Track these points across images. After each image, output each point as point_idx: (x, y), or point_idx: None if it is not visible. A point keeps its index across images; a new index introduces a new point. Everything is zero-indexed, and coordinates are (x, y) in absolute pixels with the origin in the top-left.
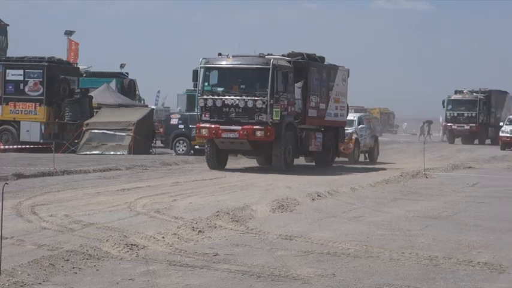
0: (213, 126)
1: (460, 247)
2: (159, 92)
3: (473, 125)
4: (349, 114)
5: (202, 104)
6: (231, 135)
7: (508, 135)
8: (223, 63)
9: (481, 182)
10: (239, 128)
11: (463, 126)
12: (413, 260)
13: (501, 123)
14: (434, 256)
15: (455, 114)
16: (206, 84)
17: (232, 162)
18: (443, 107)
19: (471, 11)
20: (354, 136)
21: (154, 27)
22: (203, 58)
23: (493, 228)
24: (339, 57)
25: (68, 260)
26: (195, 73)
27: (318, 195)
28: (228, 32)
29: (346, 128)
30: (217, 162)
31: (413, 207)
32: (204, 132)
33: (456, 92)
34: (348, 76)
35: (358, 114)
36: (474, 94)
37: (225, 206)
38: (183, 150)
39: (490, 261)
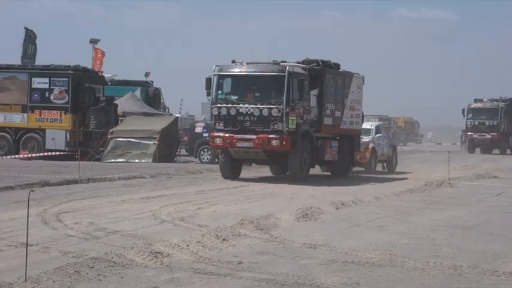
0: (227, 135)
1: (485, 257)
2: (182, 100)
3: (495, 134)
4: (366, 123)
5: (216, 113)
6: (246, 144)
7: None
8: (237, 70)
9: (505, 192)
10: (254, 137)
11: (484, 136)
12: (438, 270)
13: None
14: (459, 266)
15: (476, 123)
16: (220, 92)
17: (245, 172)
18: (463, 115)
19: (492, 20)
20: (371, 145)
21: (178, 36)
22: (216, 65)
23: None
24: (362, 66)
25: (92, 267)
26: (208, 81)
27: (342, 204)
28: (251, 40)
29: (362, 137)
30: (231, 171)
31: (437, 217)
32: (218, 141)
33: (476, 101)
34: (363, 83)
35: (375, 123)
36: (495, 102)
37: (249, 214)
38: (207, 158)
39: None
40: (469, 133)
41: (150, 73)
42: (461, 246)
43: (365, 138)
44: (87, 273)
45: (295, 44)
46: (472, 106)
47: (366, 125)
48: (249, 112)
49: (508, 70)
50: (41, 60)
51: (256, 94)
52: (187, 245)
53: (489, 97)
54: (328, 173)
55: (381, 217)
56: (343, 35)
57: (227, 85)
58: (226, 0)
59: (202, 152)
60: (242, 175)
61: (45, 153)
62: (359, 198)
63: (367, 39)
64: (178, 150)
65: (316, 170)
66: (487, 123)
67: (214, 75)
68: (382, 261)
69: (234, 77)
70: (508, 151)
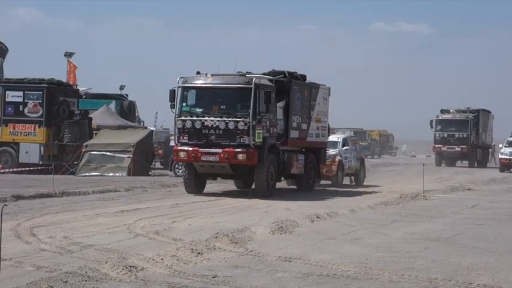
0: (191, 149)
1: (460, 269)
2: (157, 113)
3: (464, 146)
4: (333, 135)
5: (180, 126)
6: (211, 158)
7: (507, 157)
8: (202, 82)
9: (480, 204)
10: (220, 151)
11: (454, 148)
12: (413, 282)
13: (494, 144)
14: (433, 278)
15: (445, 135)
16: (184, 104)
17: (209, 186)
18: (431, 127)
19: (469, 33)
20: (338, 158)
21: (153, 50)
22: (180, 77)
23: (493, 250)
24: (337, 79)
25: (66, 281)
26: (172, 93)
27: (317, 217)
28: (228, 53)
29: (328, 150)
30: (196, 186)
31: (412, 229)
32: (182, 155)
33: (443, 112)
34: (329, 95)
35: (342, 136)
36: (464, 114)
37: (224, 227)
38: (182, 172)
39: (489, 283)
40: (437, 145)
41: (125, 86)
42: (436, 258)
43: (331, 151)
44: None
45: (270, 58)
46: (440, 117)
47: (332, 138)
48: (214, 125)
49: (480, 82)
50: (15, 73)
51: (221, 107)
52: (162, 259)
53: (456, 108)
54: (294, 187)
55: (356, 230)
56: (320, 48)
57: (192, 97)
58: (203, 15)
59: (177, 166)
60: (206, 189)
61: (19, 169)
62: (334, 211)
63: (344, 53)
64: (153, 163)
65: (282, 184)
66: (456, 136)
67: (179, 87)
68: (357, 274)
69: (199, 89)
70: (475, 164)
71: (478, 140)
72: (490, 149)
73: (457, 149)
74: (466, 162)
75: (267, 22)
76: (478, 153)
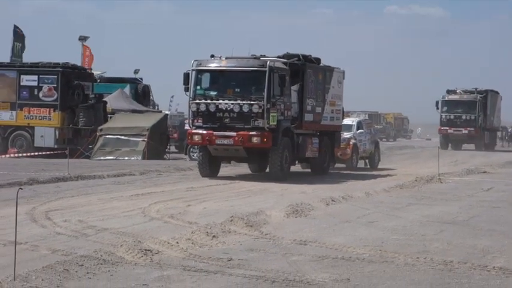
0: (206, 132)
1: (475, 252)
2: (172, 97)
3: (472, 129)
4: (348, 119)
5: (195, 109)
6: (226, 141)
7: None
8: (216, 65)
9: (495, 187)
10: (234, 134)
11: (461, 131)
12: (428, 265)
13: (505, 126)
14: (449, 261)
15: (452, 117)
16: (198, 87)
17: (223, 170)
18: (437, 108)
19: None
20: (352, 141)
21: (168, 33)
22: (195, 60)
23: (508, 233)
24: (352, 62)
25: (82, 265)
26: (186, 76)
27: (332, 200)
28: (241, 37)
29: (343, 133)
30: (210, 169)
31: (427, 212)
32: (196, 138)
33: (449, 92)
34: (344, 78)
35: (357, 119)
36: (472, 95)
37: (239, 211)
38: (197, 155)
39: (505, 266)
40: (442, 128)
41: (139, 70)
42: (451, 241)
43: (346, 135)
44: (76, 272)
45: (284, 41)
46: (447, 98)
47: (347, 121)
48: (228, 108)
49: (492, 64)
50: (30, 57)
51: (236, 90)
52: (177, 242)
53: (463, 88)
54: (309, 170)
55: (371, 213)
56: (335, 32)
57: (206, 80)
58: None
59: (192, 149)
60: (220, 173)
61: (34, 153)
62: (349, 195)
63: (359, 36)
64: (168, 147)
65: (296, 167)
66: (463, 117)
67: (193, 70)
68: (373, 257)
69: (213, 72)
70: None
71: (486, 122)
72: (498, 132)
73: (464, 131)
74: (472, 146)
75: (282, 6)
76: (485, 136)
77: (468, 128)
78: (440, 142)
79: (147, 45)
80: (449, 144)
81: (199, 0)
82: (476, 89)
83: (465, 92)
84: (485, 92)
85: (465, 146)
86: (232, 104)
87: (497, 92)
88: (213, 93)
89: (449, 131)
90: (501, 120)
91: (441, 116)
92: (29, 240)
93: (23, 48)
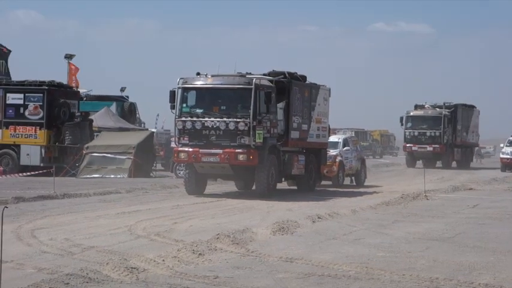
0: (192, 149)
1: (461, 269)
2: (158, 115)
3: (437, 146)
4: (334, 136)
5: (181, 127)
6: (212, 159)
7: (509, 156)
8: (202, 83)
9: (481, 204)
10: (220, 151)
11: (425, 148)
12: (414, 282)
13: (488, 147)
14: (435, 278)
15: (416, 134)
16: (184, 105)
17: (209, 187)
18: (401, 124)
19: (470, 33)
20: (338, 159)
21: (153, 51)
22: (181, 78)
23: (494, 249)
24: (338, 79)
25: (68, 283)
26: (172, 94)
27: (318, 218)
28: (226, 54)
29: (329, 150)
30: (196, 187)
31: (414, 229)
32: (182, 156)
33: (416, 107)
34: (330, 95)
35: (343, 136)
36: (438, 109)
37: (225, 228)
38: (183, 173)
39: (490, 282)
40: (407, 145)
41: (125, 88)
42: (438, 258)
43: (332, 152)
44: None
45: (270, 58)
46: (411, 114)
47: (333, 138)
48: (214, 126)
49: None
50: (15, 75)
51: (222, 107)
52: (163, 260)
53: (432, 103)
54: (295, 188)
55: (357, 230)
56: (320, 49)
57: (192, 98)
58: (203, 16)
59: (178, 167)
60: (207, 190)
61: (19, 174)
62: (335, 212)
63: (344, 53)
64: (154, 165)
65: (282, 185)
66: (428, 134)
67: (179, 87)
68: (359, 274)
69: (199, 90)
70: (454, 164)
71: (456, 138)
72: (475, 148)
73: (429, 148)
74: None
75: (267, 23)
76: (456, 153)
77: (433, 145)
78: (406, 160)
79: (133, 63)
80: (420, 162)
81: (184, 17)
82: (445, 103)
83: (433, 106)
84: (455, 106)
85: (439, 164)
86: (218, 121)
87: (472, 106)
88: (199, 110)
89: (413, 148)
90: (479, 136)
91: (405, 132)
92: (15, 258)
93: (6, 67)
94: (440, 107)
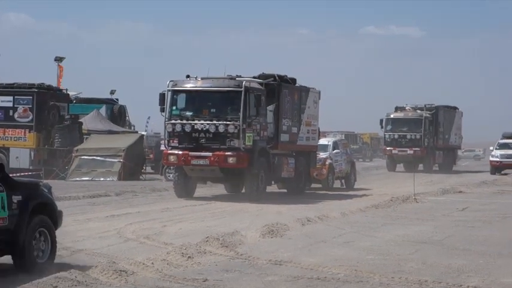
0: (181, 152)
1: (450, 271)
2: (149, 118)
3: (418, 149)
4: (324, 139)
5: (170, 129)
6: (201, 162)
7: (498, 159)
8: (192, 85)
9: (470, 207)
10: (210, 154)
11: (406, 151)
12: (403, 285)
13: (464, 150)
14: (423, 280)
15: (396, 137)
16: (174, 108)
17: (199, 190)
18: (381, 127)
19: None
20: (328, 162)
21: (144, 53)
22: (170, 80)
23: (483, 252)
24: (329, 82)
25: (56, 286)
26: (162, 96)
27: (308, 220)
28: (218, 57)
29: (319, 153)
30: (186, 190)
31: (403, 232)
32: (172, 159)
33: (397, 109)
34: (319, 98)
35: (333, 139)
36: (418, 112)
37: (214, 231)
38: (173, 176)
39: (479, 285)
40: (387, 148)
41: (115, 91)
42: (426, 261)
43: (322, 155)
44: None
45: (262, 61)
46: (391, 116)
47: (323, 141)
48: (204, 129)
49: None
50: (4, 78)
51: (211, 110)
52: (152, 263)
53: (413, 105)
54: (285, 190)
55: (347, 233)
56: (312, 52)
57: (181, 101)
58: (195, 19)
59: (168, 170)
60: (196, 193)
61: (9, 173)
62: (325, 215)
63: (335, 56)
64: (144, 168)
65: (272, 187)
66: (408, 137)
67: (168, 90)
68: (348, 277)
69: (189, 93)
70: (436, 167)
71: (438, 141)
72: (458, 150)
73: (410, 151)
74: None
75: (259, 26)
76: (438, 156)
77: (414, 148)
78: (386, 164)
79: (123, 66)
80: (401, 165)
81: (175, 21)
82: (426, 105)
83: (414, 108)
84: (436, 108)
85: (421, 166)
86: (208, 124)
87: (454, 108)
88: (188, 113)
89: (393, 151)
90: (462, 138)
91: (385, 135)
92: (3, 261)
93: None
94: (421, 108)
